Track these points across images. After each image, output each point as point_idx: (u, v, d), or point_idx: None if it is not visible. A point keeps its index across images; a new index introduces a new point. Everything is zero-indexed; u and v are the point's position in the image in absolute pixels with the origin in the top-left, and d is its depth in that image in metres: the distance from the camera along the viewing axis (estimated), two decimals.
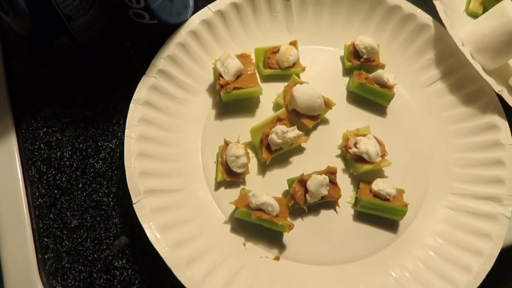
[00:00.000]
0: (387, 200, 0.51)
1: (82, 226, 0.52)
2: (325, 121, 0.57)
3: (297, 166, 0.54)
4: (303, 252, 0.51)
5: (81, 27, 0.52)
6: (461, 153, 0.55)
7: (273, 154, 0.52)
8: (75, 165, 0.54)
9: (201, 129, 0.56)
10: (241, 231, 0.51)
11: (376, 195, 0.51)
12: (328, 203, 0.52)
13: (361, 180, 0.53)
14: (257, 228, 0.50)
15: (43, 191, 0.53)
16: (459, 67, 0.57)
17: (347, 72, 0.59)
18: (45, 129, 0.55)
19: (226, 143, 0.53)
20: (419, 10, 0.58)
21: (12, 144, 0.54)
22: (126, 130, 0.50)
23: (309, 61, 0.59)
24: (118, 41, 0.59)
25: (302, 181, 0.51)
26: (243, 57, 0.56)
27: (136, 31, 0.57)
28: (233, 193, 0.52)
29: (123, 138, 0.50)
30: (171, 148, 0.53)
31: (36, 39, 0.53)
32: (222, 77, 0.54)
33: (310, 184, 0.50)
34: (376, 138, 0.53)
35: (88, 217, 0.52)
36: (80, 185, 0.53)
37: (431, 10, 0.57)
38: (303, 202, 0.50)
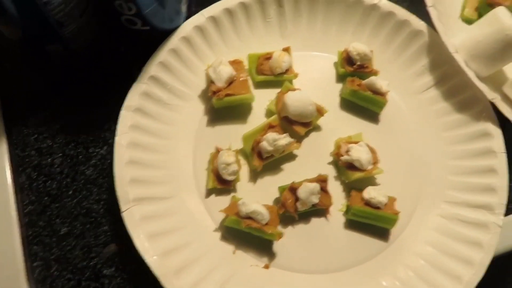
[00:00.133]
0: (378, 208, 0.51)
1: (71, 233, 0.52)
2: (317, 128, 0.56)
3: (289, 173, 0.54)
4: (293, 260, 0.51)
5: (72, 33, 0.51)
6: (454, 160, 0.55)
7: (265, 162, 0.52)
8: (65, 172, 0.54)
9: (193, 135, 0.55)
10: (231, 239, 0.51)
11: (367, 203, 0.51)
12: (319, 211, 0.52)
13: (353, 187, 0.53)
14: (248, 236, 0.50)
15: (33, 198, 0.52)
16: (452, 74, 0.56)
17: (341, 78, 0.59)
18: (36, 136, 0.55)
19: (218, 150, 0.53)
20: (413, 16, 0.58)
21: (2, 150, 0.53)
22: (116, 137, 0.50)
23: (303, 67, 0.58)
24: (111, 47, 0.58)
25: (292, 189, 0.50)
26: (235, 63, 0.56)
27: (129, 37, 0.57)
28: (224, 201, 0.52)
29: None
30: (162, 155, 0.53)
31: (27, 45, 0.53)
32: (214, 83, 0.54)
33: (301, 192, 0.49)
34: (368, 146, 0.53)
35: (78, 225, 0.52)
36: (70, 192, 0.53)
37: (426, 16, 0.56)
38: (294, 210, 0.50)
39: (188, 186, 0.53)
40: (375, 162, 0.53)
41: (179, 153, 0.54)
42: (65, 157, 0.54)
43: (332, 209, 0.52)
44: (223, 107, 0.55)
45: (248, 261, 0.50)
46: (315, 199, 0.50)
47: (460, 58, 0.54)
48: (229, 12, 0.57)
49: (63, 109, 0.56)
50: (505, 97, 0.57)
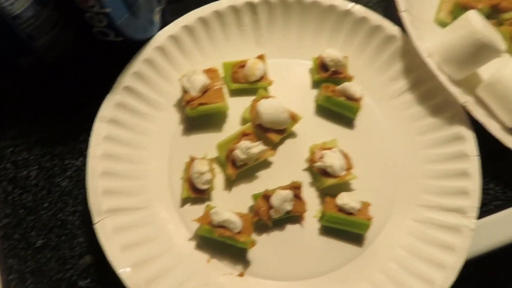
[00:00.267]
0: (351, 214, 0.51)
1: (47, 245, 0.52)
2: (293, 135, 0.57)
3: (264, 181, 0.54)
4: (268, 267, 0.51)
5: (44, 46, 0.52)
6: (428, 164, 0.55)
7: (239, 170, 0.52)
8: (41, 184, 0.54)
9: (168, 145, 0.55)
10: (206, 248, 0.51)
11: (341, 209, 0.51)
12: (294, 217, 0.52)
13: (327, 193, 0.53)
14: (222, 244, 0.50)
15: (8, 211, 0.53)
16: (426, 78, 0.56)
17: (316, 84, 0.59)
18: (12, 148, 0.55)
19: (192, 159, 0.53)
20: (387, 21, 0.58)
21: None
22: (89, 149, 0.50)
23: (278, 74, 0.59)
24: (86, 58, 0.58)
25: (266, 197, 0.50)
26: (210, 72, 0.56)
27: (103, 48, 0.57)
28: (199, 210, 0.52)
29: None
30: (137, 166, 0.53)
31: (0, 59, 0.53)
32: (188, 92, 0.54)
33: (274, 200, 0.50)
34: (342, 151, 0.53)
35: (53, 237, 0.52)
36: (45, 204, 0.53)
37: (401, 21, 0.56)
38: (268, 218, 0.50)
39: (163, 196, 0.53)
40: (348, 168, 0.53)
41: (154, 163, 0.54)
42: (41, 169, 0.55)
43: (307, 215, 0.53)
44: (198, 116, 0.55)
45: (223, 269, 0.51)
46: (288, 206, 0.50)
47: (432, 63, 0.55)
48: (203, 21, 0.58)
49: (40, 122, 0.56)
50: (479, 100, 0.58)
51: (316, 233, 0.53)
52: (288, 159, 0.56)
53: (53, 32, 0.51)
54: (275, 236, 0.52)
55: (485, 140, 0.53)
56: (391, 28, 0.58)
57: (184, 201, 0.53)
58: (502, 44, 0.54)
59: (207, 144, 0.55)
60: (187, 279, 0.49)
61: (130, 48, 0.56)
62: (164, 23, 0.58)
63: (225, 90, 0.57)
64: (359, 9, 0.59)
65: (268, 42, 0.61)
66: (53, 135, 0.56)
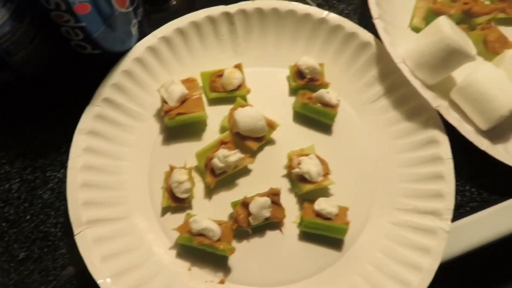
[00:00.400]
0: (329, 219, 0.52)
1: (29, 258, 0.52)
2: (271, 142, 0.57)
3: (243, 188, 0.55)
4: (248, 274, 0.52)
5: (22, 61, 0.52)
6: (404, 168, 0.56)
7: (218, 178, 0.53)
8: (23, 197, 0.54)
9: (148, 155, 0.56)
10: (187, 257, 0.52)
11: (318, 214, 0.52)
12: (274, 224, 0.53)
13: (306, 199, 0.54)
14: (203, 252, 0.51)
15: None
16: (401, 84, 0.57)
17: (293, 92, 0.60)
18: None
19: (172, 168, 0.53)
20: (361, 28, 0.59)
21: None
22: (69, 162, 0.51)
23: (256, 82, 0.59)
24: (66, 71, 0.59)
25: (245, 204, 0.51)
26: (189, 82, 0.57)
27: (82, 61, 0.57)
28: (180, 218, 0.53)
29: None
30: (117, 176, 0.54)
31: None
32: (166, 103, 0.55)
33: (252, 207, 0.50)
34: (319, 157, 0.54)
35: (36, 249, 0.53)
36: (28, 217, 0.54)
37: (375, 28, 0.57)
38: (247, 225, 0.51)
39: (143, 205, 0.54)
40: (326, 173, 0.54)
41: (134, 173, 0.55)
42: (23, 182, 0.55)
43: (286, 221, 0.53)
44: (177, 126, 0.56)
45: (204, 277, 0.51)
46: (266, 213, 0.51)
47: (405, 68, 0.56)
48: (180, 31, 0.59)
49: (21, 134, 0.57)
50: (453, 104, 0.59)
51: (296, 238, 0.54)
52: (267, 166, 0.56)
53: (30, 46, 0.52)
54: (255, 242, 0.53)
55: (461, 143, 0.54)
56: (365, 35, 0.59)
57: (165, 210, 0.54)
58: (473, 49, 0.55)
59: (187, 153, 0.55)
60: (168, 287, 0.49)
61: (109, 60, 0.56)
62: (142, 35, 0.58)
63: (204, 100, 0.58)
64: (334, 17, 0.60)
65: (246, 51, 0.61)
66: (35, 147, 0.57)
